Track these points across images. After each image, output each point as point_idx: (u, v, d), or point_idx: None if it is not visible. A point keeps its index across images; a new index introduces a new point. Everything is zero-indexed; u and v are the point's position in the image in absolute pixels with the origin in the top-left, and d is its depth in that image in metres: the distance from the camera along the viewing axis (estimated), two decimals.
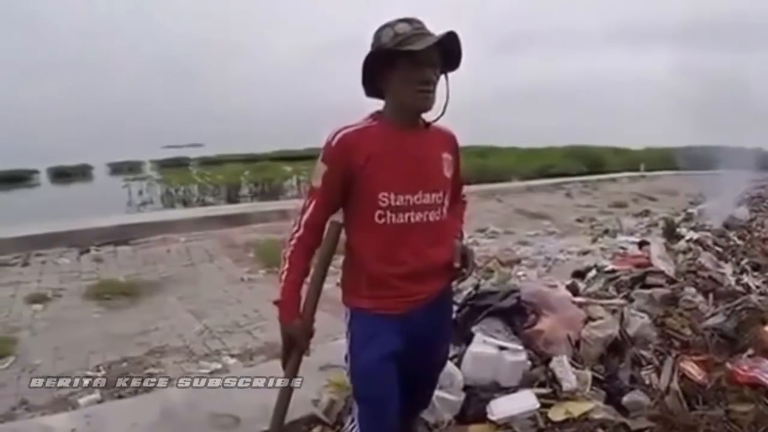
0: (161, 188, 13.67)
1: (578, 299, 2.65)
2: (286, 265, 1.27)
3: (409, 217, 1.25)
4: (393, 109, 1.27)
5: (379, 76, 1.24)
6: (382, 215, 1.24)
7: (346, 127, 1.25)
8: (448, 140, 1.36)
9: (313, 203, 1.27)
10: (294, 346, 1.29)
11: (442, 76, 1.27)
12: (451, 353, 2.13)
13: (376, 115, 1.29)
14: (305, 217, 1.28)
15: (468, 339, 2.19)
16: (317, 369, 2.34)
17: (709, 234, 4.67)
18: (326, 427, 2.01)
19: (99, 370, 2.86)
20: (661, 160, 19.71)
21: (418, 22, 1.21)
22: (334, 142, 1.23)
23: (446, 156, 1.32)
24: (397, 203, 1.24)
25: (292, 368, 1.32)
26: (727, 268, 3.49)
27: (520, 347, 2.12)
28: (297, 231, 1.29)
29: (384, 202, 1.23)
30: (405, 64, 1.19)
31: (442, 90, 1.28)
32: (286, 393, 1.36)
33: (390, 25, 1.21)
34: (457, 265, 1.32)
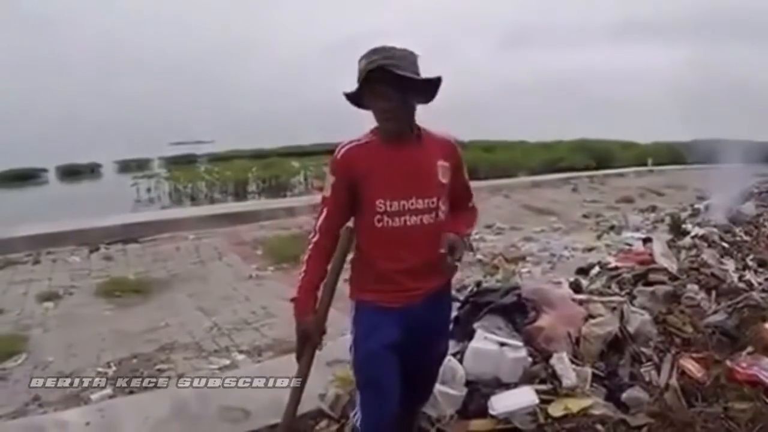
0: (169, 186, 13.76)
1: (579, 296, 2.67)
2: (304, 267, 1.41)
3: (404, 221, 1.37)
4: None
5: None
6: (380, 219, 1.37)
7: (349, 143, 1.39)
8: (444, 148, 1.45)
9: (326, 210, 1.41)
10: (307, 341, 1.40)
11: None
12: (454, 349, 2.17)
13: (375, 131, 1.40)
14: (320, 223, 1.42)
15: (470, 335, 2.23)
16: (324, 364, 2.39)
17: (715, 230, 4.65)
18: (332, 420, 2.07)
19: (110, 367, 2.93)
20: (670, 154, 19.51)
21: (376, 53, 1.29)
22: (339, 156, 1.38)
23: (441, 163, 1.42)
24: (393, 208, 1.36)
25: (305, 362, 1.39)
26: (730, 265, 3.49)
27: (521, 344, 2.16)
28: (314, 236, 1.42)
29: (381, 207, 1.36)
30: (366, 97, 1.33)
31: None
32: (299, 387, 1.41)
33: (359, 61, 1.32)
34: (442, 251, 1.35)
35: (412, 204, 1.36)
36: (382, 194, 1.35)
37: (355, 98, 1.37)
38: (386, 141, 1.37)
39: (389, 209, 1.35)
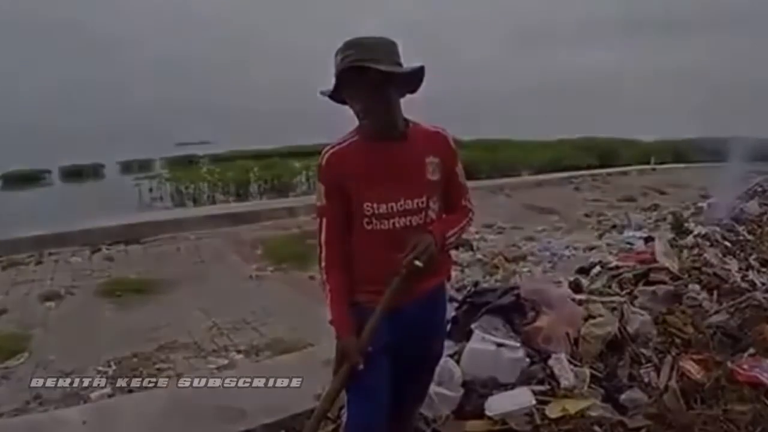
0: (171, 186, 13.78)
1: (579, 296, 2.66)
2: (328, 287, 1.37)
3: (393, 223, 1.33)
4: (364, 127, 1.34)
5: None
6: (369, 222, 1.33)
7: (332, 147, 1.34)
8: (434, 143, 1.38)
9: (325, 221, 1.37)
10: (345, 360, 1.33)
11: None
12: (451, 350, 2.17)
13: (358, 129, 1.35)
14: (322, 237, 1.37)
15: (467, 336, 2.23)
16: (320, 364, 2.38)
17: (717, 229, 4.61)
18: (328, 420, 2.06)
19: (110, 366, 2.95)
20: (673, 152, 19.40)
21: (350, 47, 1.22)
22: (323, 163, 1.34)
23: (431, 159, 1.35)
24: (381, 211, 1.32)
25: (339, 380, 1.34)
26: (733, 265, 3.46)
27: (518, 344, 2.14)
28: (321, 252, 1.38)
29: (369, 210, 1.32)
30: (344, 96, 1.28)
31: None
32: (326, 402, 1.37)
33: (335, 55, 1.25)
34: (418, 263, 1.29)
35: (400, 205, 1.32)
36: (369, 197, 1.31)
37: (336, 95, 1.29)
38: (370, 140, 1.32)
39: (377, 211, 1.31)
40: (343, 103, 1.31)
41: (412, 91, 1.34)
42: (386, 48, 1.25)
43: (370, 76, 1.20)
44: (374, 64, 1.19)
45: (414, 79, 1.30)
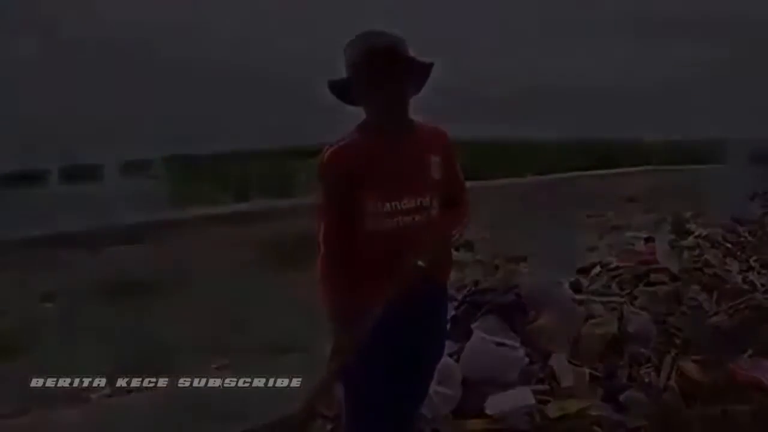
0: (171, 186, 13.80)
1: (579, 297, 2.66)
2: (328, 286, 1.35)
3: (397, 222, 1.31)
4: (371, 123, 1.32)
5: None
6: (372, 221, 1.31)
7: (334, 144, 1.32)
8: (436, 141, 1.38)
9: (325, 220, 1.34)
10: (340, 354, 1.32)
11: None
12: (451, 349, 2.17)
13: (361, 127, 1.34)
14: (322, 235, 1.35)
15: (467, 336, 2.23)
16: (320, 364, 2.38)
17: (718, 230, 4.61)
18: (327, 419, 2.06)
19: (110, 366, 2.95)
20: (675, 152, 19.43)
21: (372, 36, 1.22)
22: (325, 160, 1.31)
23: (434, 158, 1.35)
24: (385, 209, 1.30)
25: (332, 374, 1.32)
26: (734, 266, 3.46)
27: (518, 344, 2.15)
28: (319, 251, 1.36)
29: (372, 209, 1.30)
30: (366, 85, 1.24)
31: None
32: (320, 393, 1.35)
33: (348, 47, 1.24)
34: (420, 263, 1.29)
35: (404, 204, 1.30)
36: (373, 195, 1.29)
37: (343, 89, 1.29)
38: (374, 138, 1.30)
39: (381, 210, 1.30)
40: (348, 100, 1.30)
41: (417, 91, 1.33)
42: (401, 40, 1.25)
43: (397, 63, 1.20)
44: (406, 53, 1.20)
45: (427, 74, 1.31)
